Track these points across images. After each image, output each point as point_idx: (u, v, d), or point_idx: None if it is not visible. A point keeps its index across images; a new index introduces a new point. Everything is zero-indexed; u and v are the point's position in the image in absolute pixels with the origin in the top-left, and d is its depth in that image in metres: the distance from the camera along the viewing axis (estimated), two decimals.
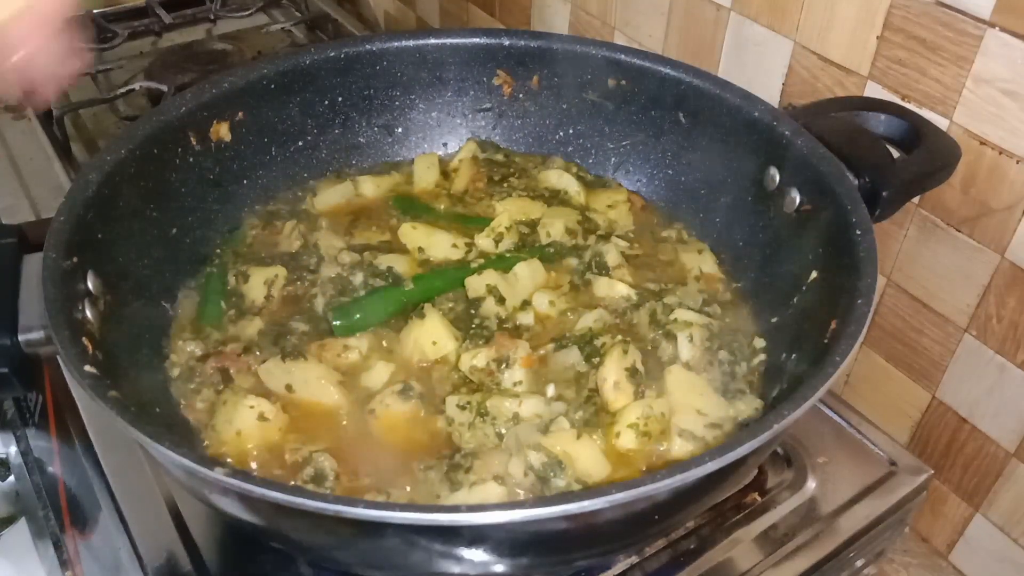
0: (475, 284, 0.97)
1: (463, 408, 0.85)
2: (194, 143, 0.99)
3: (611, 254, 1.02)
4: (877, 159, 0.90)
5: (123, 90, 1.56)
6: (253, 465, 0.82)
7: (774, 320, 0.94)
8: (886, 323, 1.14)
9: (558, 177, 1.15)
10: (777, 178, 0.96)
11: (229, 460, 0.82)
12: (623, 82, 1.10)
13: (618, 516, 0.65)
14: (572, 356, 0.91)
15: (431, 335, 0.91)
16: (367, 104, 1.15)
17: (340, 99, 1.13)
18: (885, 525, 0.94)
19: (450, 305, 0.96)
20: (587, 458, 0.81)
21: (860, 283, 0.77)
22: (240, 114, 1.04)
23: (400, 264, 1.01)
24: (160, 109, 0.97)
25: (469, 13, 1.79)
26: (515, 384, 0.88)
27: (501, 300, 0.96)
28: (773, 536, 0.91)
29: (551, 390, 0.88)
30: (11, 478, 1.43)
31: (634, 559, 0.88)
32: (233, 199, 1.07)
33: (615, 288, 0.99)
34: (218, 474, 0.60)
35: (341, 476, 0.81)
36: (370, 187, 1.15)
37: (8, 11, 0.72)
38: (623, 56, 1.09)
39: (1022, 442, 1.03)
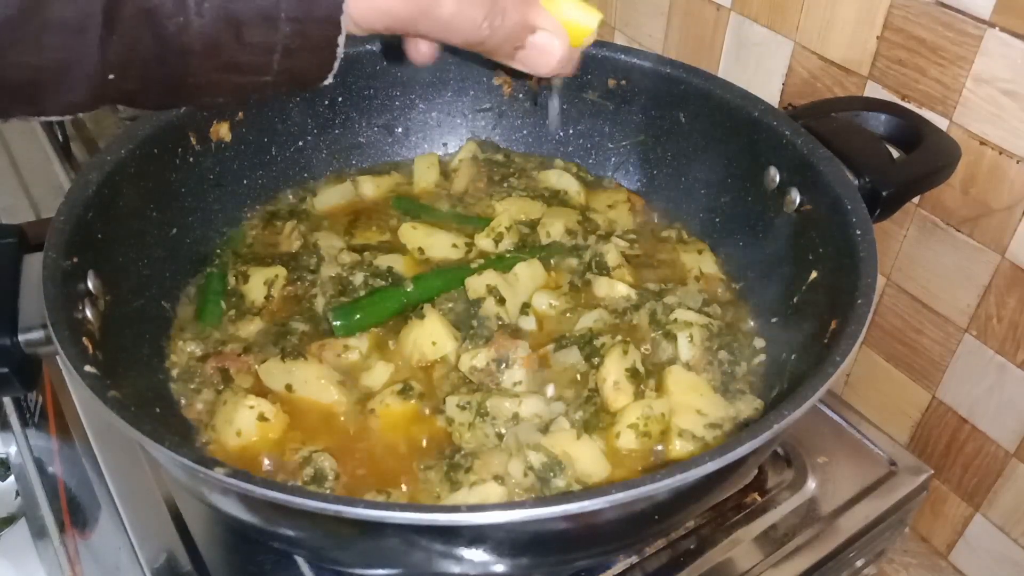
0: (475, 284, 0.97)
1: (463, 408, 0.85)
2: (194, 143, 0.99)
3: (611, 254, 1.02)
4: (877, 159, 0.90)
5: None
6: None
7: (774, 320, 0.94)
8: (886, 323, 1.14)
9: (558, 177, 1.15)
10: (777, 178, 0.96)
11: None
12: (623, 82, 1.10)
13: (618, 516, 0.65)
14: (572, 356, 0.91)
15: (431, 335, 0.91)
16: (367, 104, 1.15)
17: (340, 99, 1.13)
18: (885, 525, 0.94)
19: (450, 305, 0.96)
20: (587, 458, 0.81)
21: (860, 283, 0.77)
22: (240, 114, 1.04)
23: (400, 264, 1.01)
24: None
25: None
26: (515, 384, 0.88)
27: (501, 300, 0.96)
28: (773, 536, 0.91)
29: (551, 390, 0.88)
30: (11, 478, 1.43)
31: (634, 559, 0.88)
32: (233, 199, 1.07)
33: (615, 288, 0.99)
34: (218, 474, 0.60)
35: (341, 476, 0.81)
36: (370, 187, 1.15)
37: None
38: (623, 56, 1.09)
39: (1022, 442, 1.03)
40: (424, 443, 0.84)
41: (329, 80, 0.61)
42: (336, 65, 0.60)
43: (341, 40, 0.58)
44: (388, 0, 0.59)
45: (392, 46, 1.08)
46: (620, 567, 0.88)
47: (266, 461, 0.82)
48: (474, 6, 0.63)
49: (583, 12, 0.74)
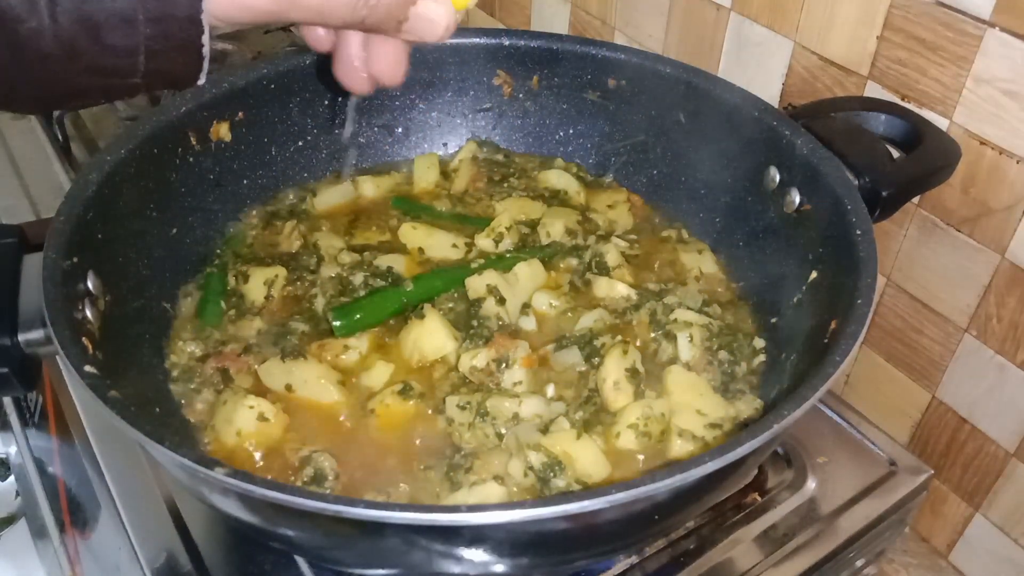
0: (475, 284, 0.97)
1: (463, 408, 0.85)
2: (194, 143, 0.99)
3: (611, 254, 1.02)
4: (877, 159, 0.90)
5: None
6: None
7: (774, 320, 0.94)
8: (886, 323, 1.14)
9: (558, 177, 1.16)
10: (777, 178, 0.96)
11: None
12: (623, 82, 1.10)
13: (618, 516, 0.65)
14: (572, 356, 0.91)
15: (431, 335, 0.91)
16: (367, 104, 1.15)
17: (340, 99, 1.13)
18: (885, 525, 0.94)
19: (450, 305, 0.96)
20: (587, 458, 0.81)
21: (860, 283, 0.77)
22: (240, 114, 1.04)
23: (400, 264, 1.01)
24: (160, 109, 0.97)
25: (469, 13, 1.79)
26: (515, 384, 0.88)
27: (501, 300, 0.96)
28: (773, 536, 0.91)
29: (551, 390, 0.88)
30: (11, 478, 1.43)
31: (634, 559, 0.88)
32: (233, 199, 1.07)
33: (615, 288, 0.99)
34: (218, 474, 0.60)
35: (341, 476, 0.81)
36: (370, 187, 1.15)
37: None
38: (623, 56, 1.09)
39: (1022, 442, 1.03)
40: (424, 443, 0.84)
41: (202, 79, 0.59)
42: (205, 64, 0.58)
43: (205, 39, 0.56)
44: None
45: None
46: (620, 567, 0.88)
47: (256, 455, 0.82)
48: None
49: None
